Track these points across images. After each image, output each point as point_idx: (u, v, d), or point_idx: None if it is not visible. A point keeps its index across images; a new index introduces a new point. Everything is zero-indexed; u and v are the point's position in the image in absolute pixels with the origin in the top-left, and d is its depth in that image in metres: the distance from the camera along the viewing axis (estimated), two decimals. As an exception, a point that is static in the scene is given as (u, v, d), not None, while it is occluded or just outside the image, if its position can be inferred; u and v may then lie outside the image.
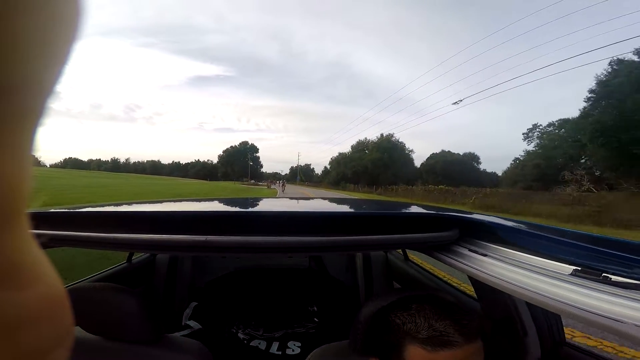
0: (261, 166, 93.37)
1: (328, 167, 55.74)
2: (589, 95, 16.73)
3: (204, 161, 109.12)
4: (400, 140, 40.93)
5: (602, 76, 15.93)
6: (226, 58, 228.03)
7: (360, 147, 44.04)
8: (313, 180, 74.12)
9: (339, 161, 47.59)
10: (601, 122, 14.62)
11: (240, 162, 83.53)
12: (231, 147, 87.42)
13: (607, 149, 14.48)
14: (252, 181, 66.35)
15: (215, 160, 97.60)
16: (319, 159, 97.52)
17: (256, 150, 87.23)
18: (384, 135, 41.62)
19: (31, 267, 0.10)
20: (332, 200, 1.58)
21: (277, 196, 11.92)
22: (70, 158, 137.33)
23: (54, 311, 0.11)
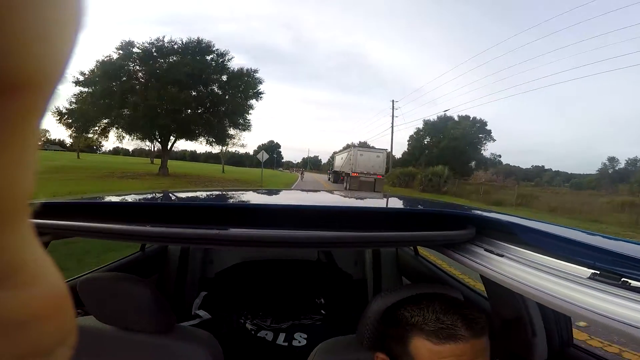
0: (282, 157, 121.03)
1: (330, 159, 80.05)
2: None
3: (231, 152, 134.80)
4: (372, 145, 64.48)
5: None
6: (238, 46, 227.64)
7: (348, 149, 68.38)
8: (320, 168, 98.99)
9: (333, 156, 72.48)
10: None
11: (269, 155, 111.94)
12: (262, 144, 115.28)
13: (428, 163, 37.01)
14: (280, 169, 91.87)
15: (240, 150, 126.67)
16: (328, 147, 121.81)
17: (279, 146, 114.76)
18: (361, 141, 65.62)
19: (33, 266, 0.10)
20: (344, 194, 1.62)
21: (296, 184, 18.35)
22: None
23: (56, 310, 0.11)
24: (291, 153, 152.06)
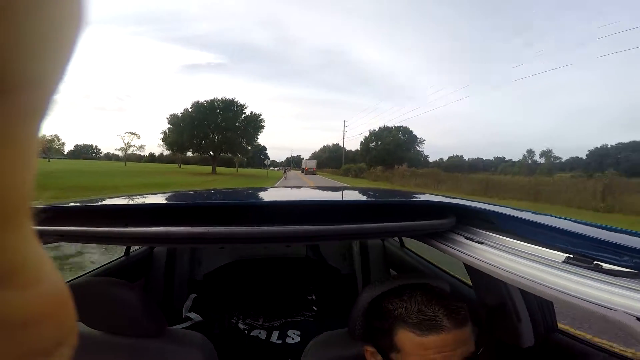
0: (269, 158, 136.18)
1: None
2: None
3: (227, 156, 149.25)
4: (342, 145, 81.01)
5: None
6: (217, 45, 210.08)
7: (324, 149, 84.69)
8: (300, 166, 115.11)
9: (313, 157, 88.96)
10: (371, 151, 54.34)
11: (258, 157, 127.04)
12: (251, 147, 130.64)
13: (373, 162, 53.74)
14: (271, 168, 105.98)
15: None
16: (310, 145, 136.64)
17: (265, 149, 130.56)
18: (334, 144, 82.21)
19: (34, 266, 0.10)
20: (329, 189, 1.57)
21: (280, 182, 20.47)
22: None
23: (57, 310, 0.11)
24: (275, 152, 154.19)
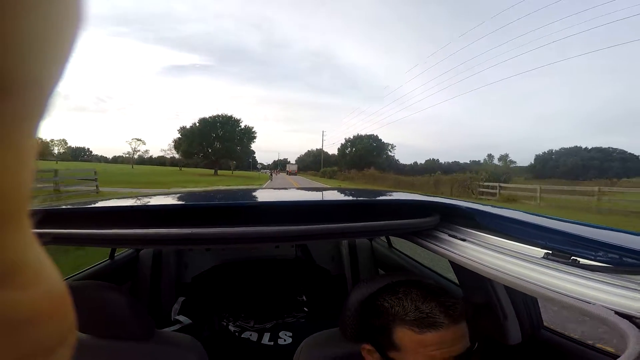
0: (257, 162, 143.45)
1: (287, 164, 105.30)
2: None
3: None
4: (325, 150, 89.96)
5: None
6: (204, 47, 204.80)
7: (308, 154, 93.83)
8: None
9: (298, 160, 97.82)
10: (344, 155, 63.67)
11: (246, 161, 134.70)
12: (244, 154, 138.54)
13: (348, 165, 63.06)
14: (263, 171, 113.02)
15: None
16: (296, 149, 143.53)
17: (254, 152, 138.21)
18: (317, 148, 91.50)
19: (33, 266, 0.10)
20: (316, 189, 1.58)
21: (267, 183, 22.63)
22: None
23: (56, 309, 0.11)
24: (263, 155, 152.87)
